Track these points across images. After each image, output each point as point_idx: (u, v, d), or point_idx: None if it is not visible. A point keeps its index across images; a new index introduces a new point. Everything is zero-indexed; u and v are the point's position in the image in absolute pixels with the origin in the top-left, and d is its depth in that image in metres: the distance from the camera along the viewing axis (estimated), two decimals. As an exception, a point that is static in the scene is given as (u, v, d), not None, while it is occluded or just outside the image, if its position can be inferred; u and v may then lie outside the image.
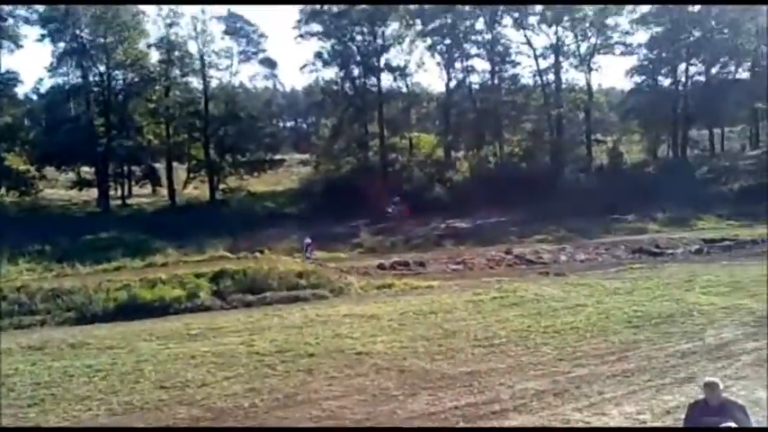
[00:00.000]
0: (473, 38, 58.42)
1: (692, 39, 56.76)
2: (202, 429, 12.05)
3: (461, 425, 11.60)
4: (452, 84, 59.59)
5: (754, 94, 57.98)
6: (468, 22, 57.62)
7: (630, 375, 13.66)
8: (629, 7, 56.48)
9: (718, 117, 58.52)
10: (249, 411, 12.85)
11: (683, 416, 8.17)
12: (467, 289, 25.14)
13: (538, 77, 57.92)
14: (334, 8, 54.75)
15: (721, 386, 7.77)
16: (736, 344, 15.47)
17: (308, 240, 34.82)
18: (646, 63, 58.85)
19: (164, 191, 54.53)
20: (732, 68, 60.17)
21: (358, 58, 56.60)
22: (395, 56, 57.31)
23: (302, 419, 12.31)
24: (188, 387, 14.39)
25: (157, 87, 54.38)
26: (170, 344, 18.45)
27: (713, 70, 59.05)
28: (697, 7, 56.15)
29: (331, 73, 58.54)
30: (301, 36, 56.83)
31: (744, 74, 60.65)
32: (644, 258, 32.40)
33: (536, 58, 57.23)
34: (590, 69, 57.57)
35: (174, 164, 55.31)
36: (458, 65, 59.30)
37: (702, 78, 59.07)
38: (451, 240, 40.23)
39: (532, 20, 56.69)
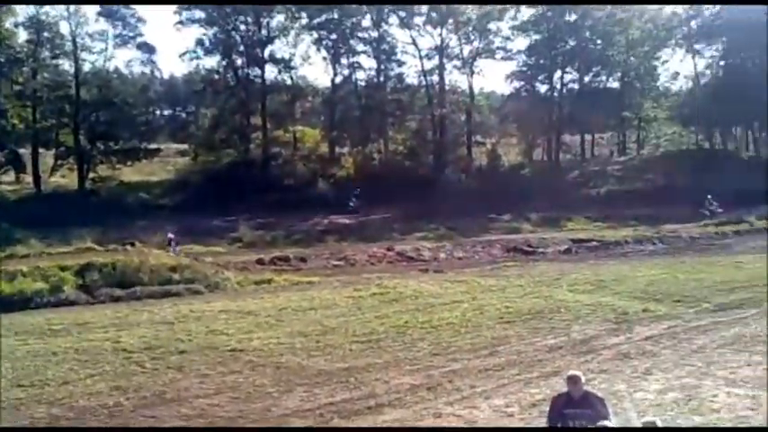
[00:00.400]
0: (359, 35, 58.52)
1: (567, 47, 59.50)
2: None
3: (336, 421, 11.53)
4: (338, 79, 59.44)
5: (623, 104, 61.69)
6: (354, 19, 57.60)
7: (501, 369, 14.07)
8: (511, 13, 58.47)
9: (589, 124, 61.64)
10: (114, 410, 12.35)
11: (547, 408, 8.40)
12: (347, 285, 25.17)
13: (422, 78, 58.84)
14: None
15: (583, 379, 8.05)
16: (599, 339, 16.25)
17: (171, 235, 33.39)
18: (524, 69, 61.04)
19: (28, 178, 51.40)
20: (603, 78, 63.66)
21: (241, 48, 55.58)
22: (280, 48, 56.87)
23: (171, 418, 11.94)
24: (48, 385, 13.72)
25: (24, 69, 51.00)
26: (29, 340, 17.43)
27: (586, 79, 62.19)
28: (573, 17, 58.78)
29: (212, 62, 57.19)
30: (181, 23, 55.15)
31: (614, 83, 64.32)
32: (517, 257, 33.49)
33: (421, 58, 58.14)
34: (472, 72, 59.16)
35: (41, 150, 51.98)
36: (344, 61, 59.18)
37: (576, 86, 62.10)
38: (334, 236, 40.15)
39: (418, 20, 57.51)
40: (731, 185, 45.68)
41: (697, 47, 66.13)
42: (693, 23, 65.82)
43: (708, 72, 67.84)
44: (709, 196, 42.88)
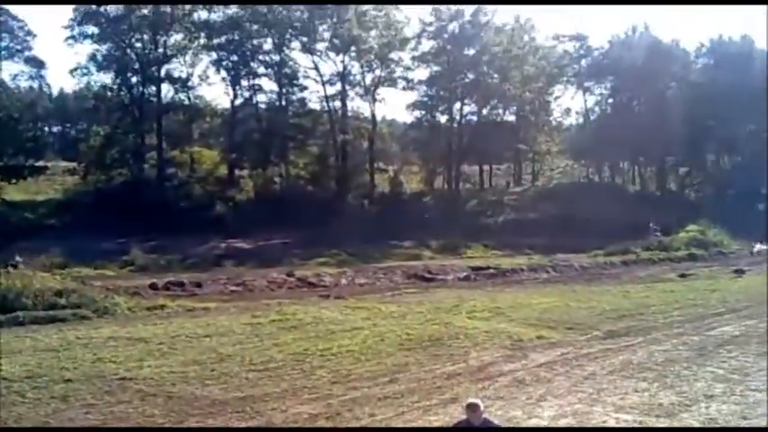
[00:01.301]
0: (261, 57, 58.05)
1: (466, 80, 61.16)
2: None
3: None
4: (238, 101, 58.65)
5: (519, 136, 64.02)
6: (255, 41, 57.16)
7: (400, 397, 13.91)
8: (412, 44, 59.75)
9: (487, 155, 63.46)
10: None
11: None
12: (245, 311, 24.46)
13: (325, 103, 58.90)
14: (112, 11, 51.66)
15: (482, 407, 8.02)
16: (496, 366, 16.42)
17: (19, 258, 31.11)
18: (425, 99, 62.33)
19: None
20: (500, 111, 65.91)
21: (137, 66, 53.84)
22: (177, 67, 55.73)
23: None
24: None
25: None
26: None
27: (484, 111, 64.13)
28: (472, 51, 60.65)
29: (106, 78, 55.05)
30: (74, 38, 52.96)
31: (510, 117, 66.77)
32: (418, 283, 33.77)
33: (323, 84, 58.26)
34: (374, 100, 59.76)
35: None
36: (244, 82, 58.47)
37: (475, 118, 63.88)
38: (232, 261, 39.22)
39: (320, 46, 57.74)
40: (619, 218, 48.13)
41: (587, 84, 69.84)
42: (584, 62, 69.56)
43: (597, 109, 71.62)
44: (651, 224, 46.37)
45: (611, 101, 70.43)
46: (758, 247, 48.28)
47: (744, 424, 12.03)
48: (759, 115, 67.23)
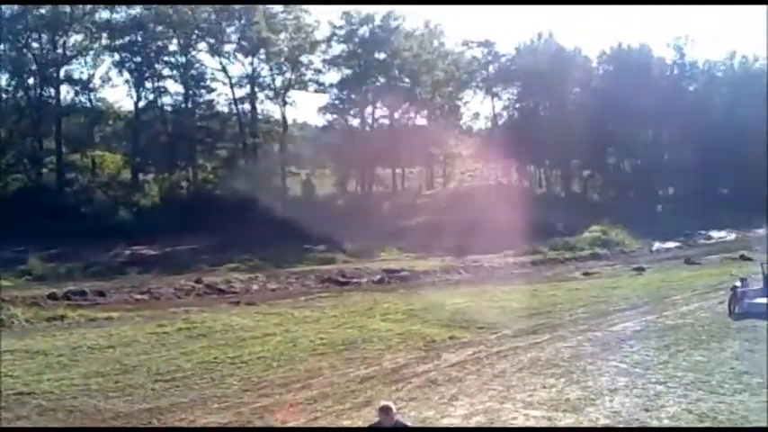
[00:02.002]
0: (166, 59, 56.39)
1: (378, 84, 61.46)
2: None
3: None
4: (142, 103, 56.71)
5: (431, 140, 64.71)
6: (160, 42, 55.54)
7: (313, 402, 13.78)
8: (323, 47, 59.55)
9: (399, 158, 63.92)
10: None
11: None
12: (151, 320, 23.66)
13: (234, 106, 57.84)
14: (7, 10, 49.15)
15: (394, 409, 7.98)
16: (409, 367, 16.49)
17: None
18: (337, 102, 62.19)
19: None
20: (412, 115, 66.56)
21: (34, 67, 51.34)
22: (77, 68, 53.57)
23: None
24: None
25: None
26: None
27: (396, 115, 64.59)
28: (383, 55, 60.99)
29: (1, 80, 52.35)
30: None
31: (422, 121, 67.53)
32: (332, 287, 33.48)
33: (232, 86, 57.17)
34: (285, 103, 59.14)
35: None
36: (149, 84, 56.62)
37: (387, 122, 64.26)
38: (137, 268, 37.80)
39: (228, 48, 56.73)
40: (527, 219, 49.31)
41: (495, 89, 71.54)
42: (492, 68, 71.21)
43: (505, 113, 73.47)
44: None
45: (518, 106, 72.40)
46: (657, 245, 50.68)
47: (645, 416, 12.47)
48: (656, 121, 70.80)
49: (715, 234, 57.50)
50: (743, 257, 39.83)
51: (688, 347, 17.34)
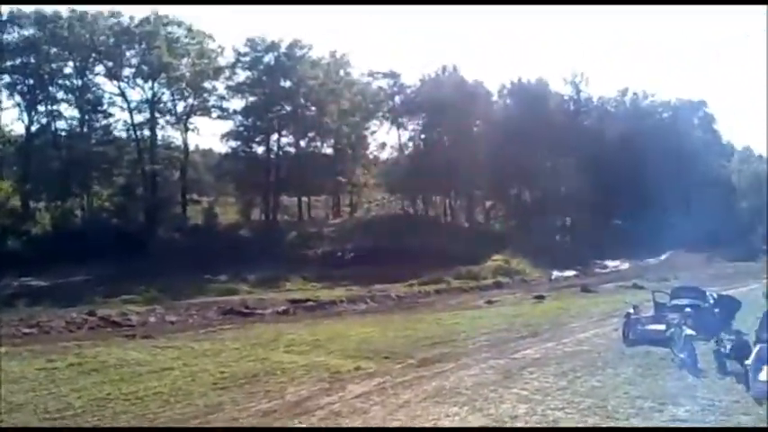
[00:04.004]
0: (60, 82, 54.35)
1: (283, 112, 61.19)
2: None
3: None
4: (35, 127, 54.40)
5: (337, 169, 64.83)
6: (54, 65, 53.45)
7: (212, 439, 13.22)
8: (226, 73, 58.95)
9: (305, 186, 63.61)
10: None
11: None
12: (39, 355, 22.19)
13: (132, 131, 56.15)
14: None
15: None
16: (313, 400, 16.09)
17: None
18: (241, 129, 61.45)
19: None
20: (318, 143, 66.54)
21: None
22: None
23: None
24: None
25: None
26: None
27: (302, 143, 64.43)
28: (288, 83, 60.90)
29: None
30: None
31: (328, 149, 67.63)
32: (234, 319, 32.61)
33: (130, 111, 55.73)
34: (186, 129, 58.04)
35: None
36: (42, 108, 54.38)
37: (293, 150, 63.94)
38: (26, 300, 35.84)
39: (127, 72, 55.25)
40: (432, 248, 50.02)
41: (401, 120, 72.62)
42: (397, 99, 72.33)
43: (411, 144, 74.57)
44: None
45: (423, 136, 73.64)
46: (556, 274, 52.31)
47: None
48: (554, 153, 73.57)
49: (610, 263, 59.98)
50: (636, 286, 41.57)
51: (585, 374, 17.72)
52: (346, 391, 16.81)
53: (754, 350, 16.12)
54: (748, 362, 15.56)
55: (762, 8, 60.49)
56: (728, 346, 17.64)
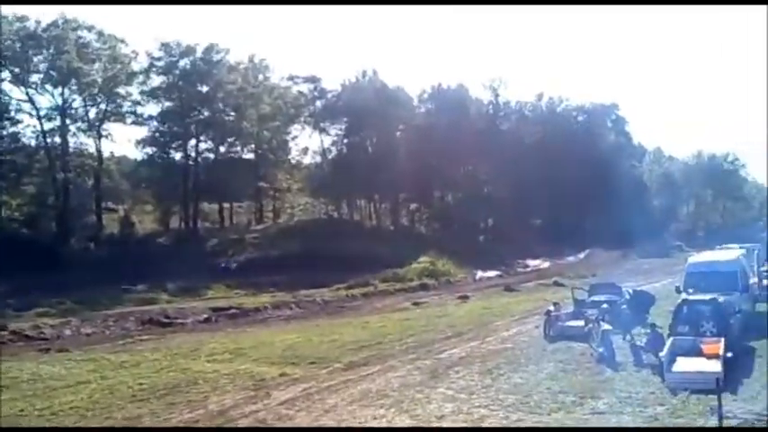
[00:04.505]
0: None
1: (201, 117, 59.96)
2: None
3: None
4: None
5: (258, 174, 63.93)
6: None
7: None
8: (141, 78, 57.45)
9: (226, 192, 62.47)
10: None
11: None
12: (-55, 374, 20.98)
13: (42, 138, 53.84)
14: None
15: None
16: (237, 408, 15.80)
17: None
18: (157, 135, 59.85)
19: None
20: (239, 148, 65.48)
21: None
22: None
23: None
24: None
25: None
26: None
27: (221, 149, 63.29)
28: (206, 88, 59.80)
29: None
30: None
31: (249, 154, 66.62)
32: (154, 329, 31.65)
33: (40, 118, 53.41)
34: (100, 135, 56.06)
35: None
36: (-58, 115, 51.49)
37: (212, 155, 62.74)
38: (-74, 317, 33.61)
39: (35, 78, 53.07)
40: (357, 252, 49.97)
41: (323, 125, 72.34)
42: (318, 103, 72.06)
43: (334, 148, 74.39)
44: (230, 252, 45.09)
45: (346, 141, 73.58)
46: (480, 274, 53.13)
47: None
48: (475, 157, 74.81)
49: (531, 262, 61.35)
50: (556, 283, 42.66)
51: (509, 371, 18.01)
52: (271, 399, 16.56)
53: (668, 342, 16.73)
54: (662, 354, 16.13)
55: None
56: (644, 340, 18.28)
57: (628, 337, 19.52)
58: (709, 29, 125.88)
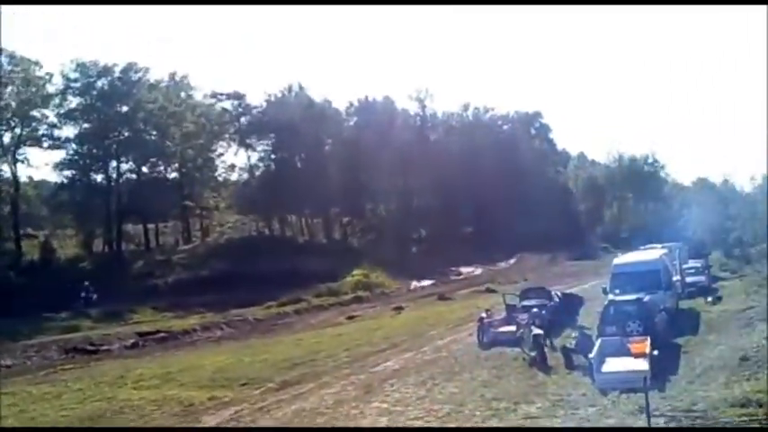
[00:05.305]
0: None
1: (122, 137, 58.25)
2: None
3: None
4: None
5: (184, 193, 62.45)
6: None
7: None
8: (57, 101, 55.51)
9: (151, 213, 60.76)
10: None
11: None
12: None
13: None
14: None
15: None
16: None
17: None
18: (76, 158, 57.80)
19: None
20: (162, 168, 63.78)
21: None
22: None
23: None
24: None
25: None
26: None
27: (144, 169, 61.54)
28: (125, 108, 58.16)
29: None
30: None
31: (173, 174, 64.95)
32: (78, 357, 30.33)
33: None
34: (15, 161, 53.73)
35: None
36: None
37: (134, 176, 60.97)
38: None
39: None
40: (290, 267, 49.38)
41: (249, 141, 71.38)
42: (244, 120, 71.16)
43: (261, 164, 73.45)
44: (86, 283, 43.79)
45: (273, 157, 72.77)
46: (414, 284, 53.29)
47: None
48: (405, 168, 75.23)
49: (464, 270, 61.92)
50: (488, 290, 43.16)
51: (443, 380, 17.96)
52: (200, 424, 16.02)
53: (597, 344, 16.96)
54: (592, 355, 16.32)
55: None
56: (574, 342, 18.52)
57: (548, 341, 19.79)
58: (623, 32, 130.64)
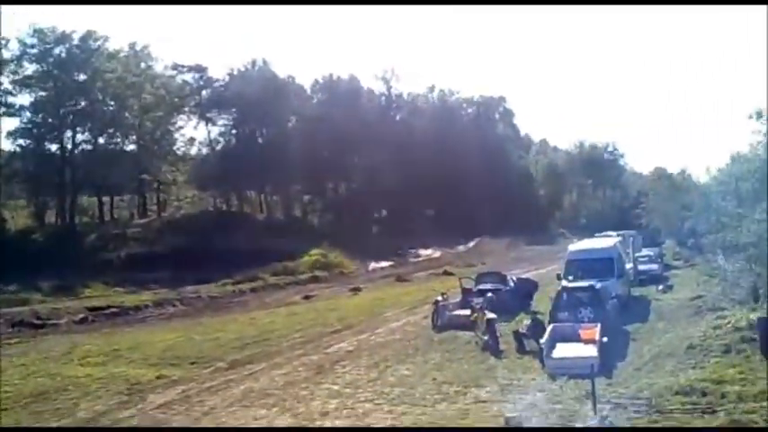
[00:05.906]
0: None
1: (78, 107, 56.73)
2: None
3: None
4: None
5: (141, 166, 61.10)
6: None
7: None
8: (12, 67, 53.68)
9: (106, 185, 59.46)
10: None
11: None
12: None
13: None
14: None
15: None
16: (108, 414, 14.91)
17: None
18: (30, 126, 56.18)
19: None
20: (119, 140, 62.32)
21: None
22: None
23: None
24: None
25: None
26: None
27: (101, 140, 60.09)
28: (83, 76, 56.58)
29: None
30: None
31: (130, 146, 63.58)
32: (24, 332, 29.53)
33: None
34: (-34, 128, 52.06)
35: None
36: None
37: (90, 147, 59.48)
38: None
39: None
40: (247, 245, 48.78)
41: (209, 115, 70.13)
42: (204, 93, 69.82)
43: (222, 139, 72.31)
44: None
45: (234, 132, 71.76)
46: (372, 265, 53.17)
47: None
48: (368, 147, 74.85)
49: (423, 252, 62.07)
50: (446, 273, 43.28)
51: (395, 362, 17.91)
52: (146, 403, 15.71)
53: (548, 329, 17.07)
54: (543, 340, 16.43)
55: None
56: (526, 327, 18.61)
57: (512, 324, 19.89)
58: (589, 22, 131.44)
